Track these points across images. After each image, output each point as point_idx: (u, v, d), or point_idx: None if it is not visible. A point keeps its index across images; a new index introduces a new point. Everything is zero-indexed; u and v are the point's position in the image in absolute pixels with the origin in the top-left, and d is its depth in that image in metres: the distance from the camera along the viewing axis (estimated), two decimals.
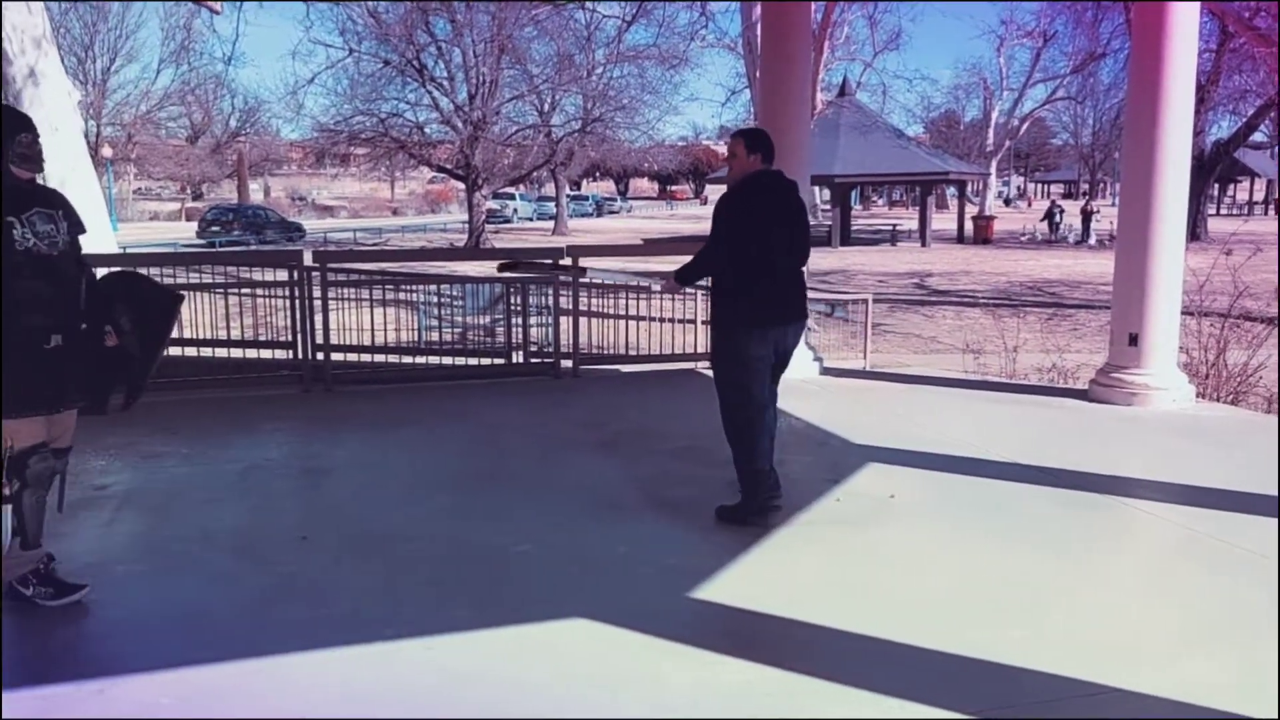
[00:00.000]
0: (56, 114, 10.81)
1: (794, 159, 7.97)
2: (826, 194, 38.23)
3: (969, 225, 35.55)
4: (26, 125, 3.61)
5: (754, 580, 3.82)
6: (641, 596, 3.71)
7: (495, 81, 31.57)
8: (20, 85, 10.66)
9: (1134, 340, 6.79)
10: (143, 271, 5.32)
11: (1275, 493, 4.66)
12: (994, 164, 45.84)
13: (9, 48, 10.65)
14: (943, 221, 41.52)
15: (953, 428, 6.25)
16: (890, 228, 36.79)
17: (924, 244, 32.67)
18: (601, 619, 3.44)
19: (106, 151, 37.87)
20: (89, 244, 4.18)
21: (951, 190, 47.10)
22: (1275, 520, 4.29)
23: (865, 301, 9.13)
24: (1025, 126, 48.82)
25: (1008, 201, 70.55)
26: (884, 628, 3.37)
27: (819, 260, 20.36)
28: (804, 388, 7.49)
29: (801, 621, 3.45)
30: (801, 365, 7.95)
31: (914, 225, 37.09)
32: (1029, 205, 67.41)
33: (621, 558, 4.09)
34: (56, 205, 3.69)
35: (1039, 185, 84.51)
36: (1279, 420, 6.68)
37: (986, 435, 6.00)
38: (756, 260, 4.29)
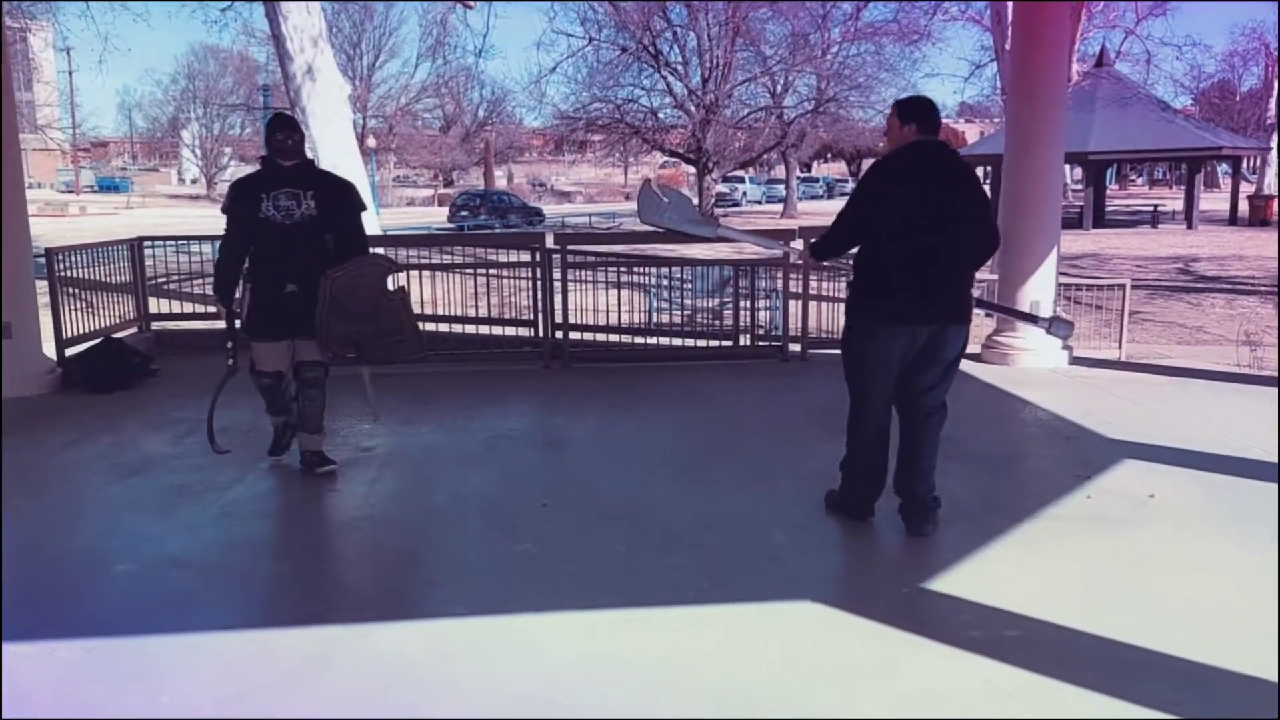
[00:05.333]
0: (330, 107, 11.82)
1: (1048, 136, 7.55)
2: (1079, 172, 35.76)
3: (1244, 205, 32.22)
4: (283, 125, 4.75)
5: (995, 575, 3.66)
6: (875, 584, 3.64)
7: (729, 64, 31.65)
8: (300, 81, 11.71)
9: None
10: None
11: None
12: (1275, 138, 41.28)
13: (290, 46, 11.71)
14: (1212, 202, 37.86)
15: (1222, 425, 5.71)
16: (1150, 208, 33.97)
17: (1190, 226, 29.91)
18: (833, 604, 3.40)
19: (371, 142, 40.96)
20: None
21: (1224, 167, 42.85)
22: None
23: (1122, 287, 8.46)
24: None
25: None
26: (1138, 635, 3.14)
27: (1069, 244, 19.11)
28: (1052, 378, 7.08)
29: (1046, 621, 3.27)
30: (1049, 354, 7.51)
31: (1178, 206, 34.06)
32: None
33: (854, 543, 4.02)
34: (307, 187, 4.67)
35: None
36: (1279, 395, 5.98)
37: (1261, 434, 5.43)
38: (887, 243, 3.80)
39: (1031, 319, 4.41)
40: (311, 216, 4.64)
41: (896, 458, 4.09)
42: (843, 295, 8.86)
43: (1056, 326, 4.24)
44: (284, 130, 4.70)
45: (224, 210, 4.79)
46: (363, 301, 4.71)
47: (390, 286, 5.01)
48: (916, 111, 3.89)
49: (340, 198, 4.79)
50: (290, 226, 4.61)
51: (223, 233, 4.89)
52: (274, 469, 5.06)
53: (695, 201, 35.93)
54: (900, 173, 3.86)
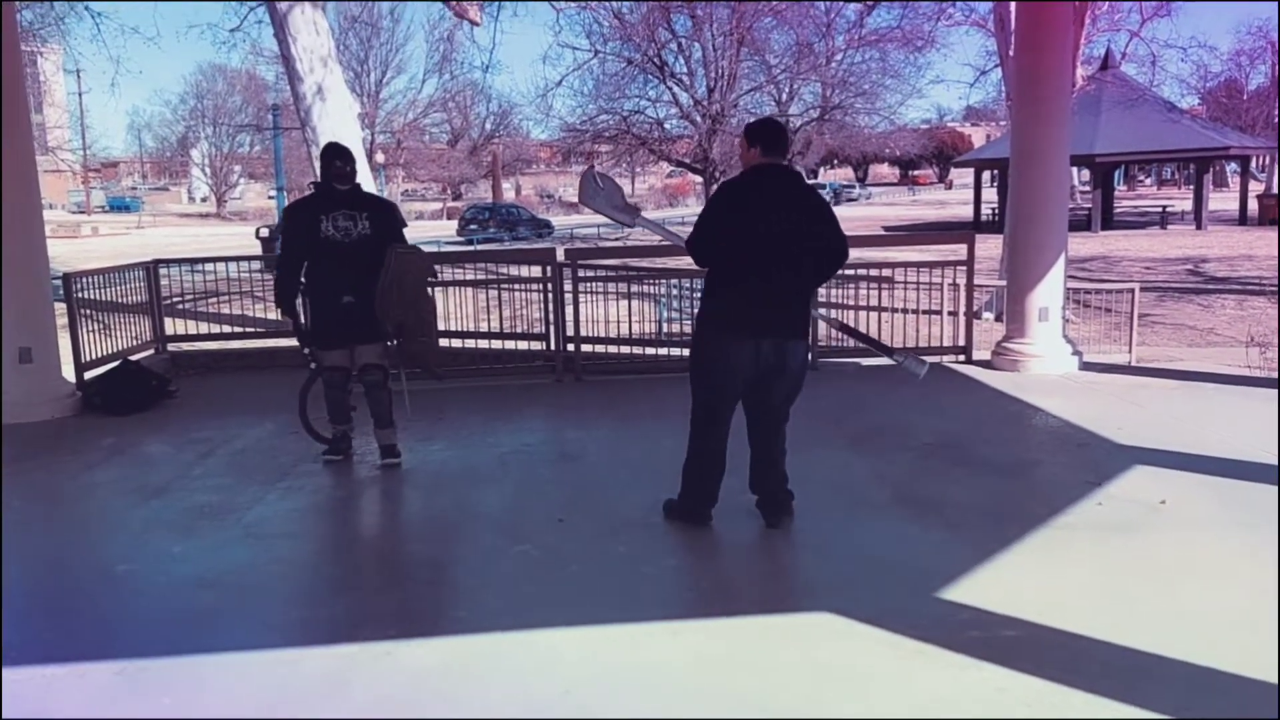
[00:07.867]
0: (340, 126, 11.86)
1: (1053, 143, 7.59)
2: (1085, 175, 35.70)
3: (1253, 205, 32.14)
4: (339, 154, 5.20)
5: (1007, 583, 3.69)
6: (890, 594, 3.67)
7: (734, 74, 31.73)
8: (310, 101, 11.78)
9: None
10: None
11: None
12: None
13: (300, 67, 11.79)
14: (1221, 202, 37.78)
15: (1234, 429, 5.72)
16: (1159, 209, 33.91)
17: (1199, 226, 29.87)
18: (849, 614, 3.43)
19: (379, 158, 41.20)
20: None
21: (1232, 167, 42.69)
22: None
23: (1131, 291, 8.48)
24: None
25: None
26: (1151, 641, 3.18)
27: (1077, 246, 19.06)
28: (1062, 384, 7.11)
29: (1059, 629, 3.30)
30: (1059, 360, 7.54)
31: (1187, 206, 33.98)
32: None
33: (869, 554, 4.06)
34: (361, 209, 5.20)
35: None
36: (1279, 396, 6.04)
37: (1272, 438, 5.46)
38: (729, 260, 4.04)
39: (887, 351, 4.65)
40: (366, 235, 5.16)
41: (751, 459, 4.37)
42: (854, 303, 8.92)
43: (910, 363, 4.44)
44: (340, 158, 5.19)
45: (281, 231, 5.21)
46: (411, 287, 5.22)
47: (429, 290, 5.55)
48: (761, 135, 4.13)
49: (388, 219, 5.35)
50: (350, 244, 5.13)
51: (279, 252, 5.48)
52: (291, 490, 5.13)
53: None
54: (740, 195, 4.07)
